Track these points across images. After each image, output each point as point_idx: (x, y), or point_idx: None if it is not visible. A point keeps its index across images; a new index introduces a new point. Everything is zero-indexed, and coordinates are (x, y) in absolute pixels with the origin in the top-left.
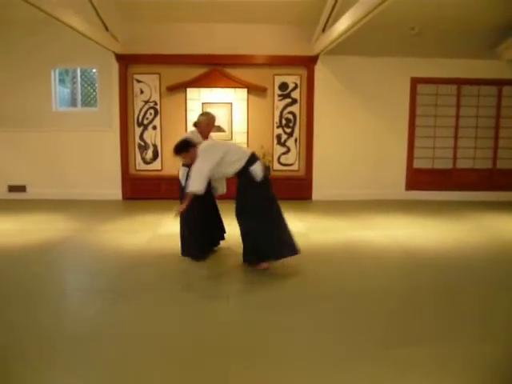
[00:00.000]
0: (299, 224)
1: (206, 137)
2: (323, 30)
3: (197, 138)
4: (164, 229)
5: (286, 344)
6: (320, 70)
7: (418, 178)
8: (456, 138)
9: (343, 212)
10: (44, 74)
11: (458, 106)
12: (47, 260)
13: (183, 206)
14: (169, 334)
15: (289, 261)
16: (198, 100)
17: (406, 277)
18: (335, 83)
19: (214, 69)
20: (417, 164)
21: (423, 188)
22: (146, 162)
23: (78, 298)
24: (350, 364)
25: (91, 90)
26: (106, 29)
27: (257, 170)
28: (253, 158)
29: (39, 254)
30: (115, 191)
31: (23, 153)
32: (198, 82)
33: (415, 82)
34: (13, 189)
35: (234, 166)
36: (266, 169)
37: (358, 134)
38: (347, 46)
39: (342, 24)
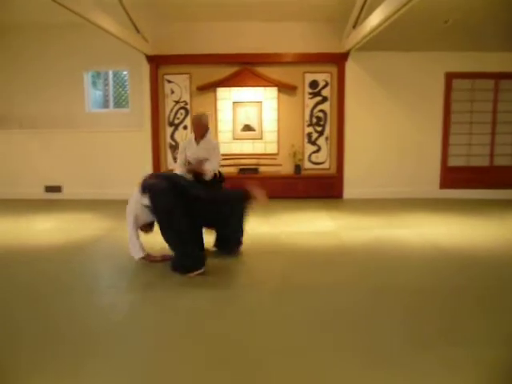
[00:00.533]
0: (330, 222)
1: (198, 137)
2: (354, 26)
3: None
4: None
5: (322, 341)
6: (351, 67)
7: (452, 176)
8: (493, 134)
9: (375, 210)
10: (77, 77)
11: (496, 101)
12: (84, 258)
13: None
14: (207, 327)
15: (320, 257)
16: (228, 99)
17: (440, 275)
18: (366, 80)
19: (244, 68)
20: (451, 162)
21: (458, 186)
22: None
23: (113, 293)
24: (386, 363)
25: (122, 92)
26: (137, 30)
27: None
28: None
29: (76, 251)
30: None
31: (58, 154)
32: (228, 82)
33: (450, 77)
34: (49, 189)
35: None
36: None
37: (390, 131)
38: (379, 41)
39: (374, 19)
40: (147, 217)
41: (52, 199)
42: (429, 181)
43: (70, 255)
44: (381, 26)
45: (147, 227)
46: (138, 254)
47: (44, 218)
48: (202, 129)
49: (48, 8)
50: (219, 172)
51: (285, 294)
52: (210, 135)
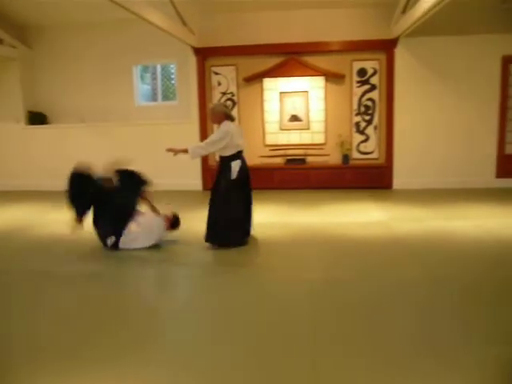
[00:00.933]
0: (380, 213)
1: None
2: (403, 11)
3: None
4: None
5: (375, 329)
6: (400, 54)
7: (510, 165)
8: None
9: (427, 201)
10: (127, 71)
11: None
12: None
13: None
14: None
15: (373, 248)
16: (274, 90)
17: (500, 268)
18: (417, 66)
19: (291, 57)
20: (509, 149)
21: None
22: None
23: (177, 280)
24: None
25: (170, 84)
26: (184, 23)
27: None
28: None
29: None
30: (195, 182)
31: (109, 146)
32: (274, 72)
33: (507, 60)
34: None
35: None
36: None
37: (442, 119)
38: (430, 26)
39: (425, 3)
40: None
41: None
42: (484, 170)
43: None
44: (432, 10)
45: None
46: None
47: None
48: (215, 118)
49: (97, 6)
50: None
51: (330, 285)
52: (223, 125)
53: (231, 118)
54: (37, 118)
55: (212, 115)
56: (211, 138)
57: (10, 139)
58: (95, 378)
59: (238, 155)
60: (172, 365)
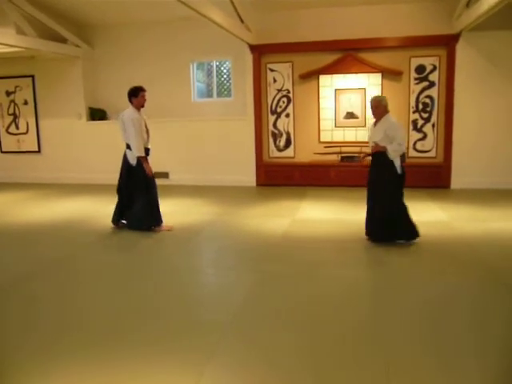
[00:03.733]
0: (440, 212)
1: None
2: (467, 5)
3: None
4: (301, 214)
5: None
6: (462, 49)
7: None
8: None
9: (489, 201)
10: (184, 68)
11: None
12: (199, 240)
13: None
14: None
15: (435, 250)
16: (330, 87)
17: None
18: (480, 62)
19: (348, 54)
20: None
21: None
22: (279, 150)
23: (230, 275)
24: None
25: (225, 81)
26: (241, 21)
27: None
28: None
29: (192, 234)
30: (249, 178)
31: (166, 141)
32: (330, 69)
33: None
34: (157, 175)
35: None
36: None
37: (505, 117)
38: (495, 19)
39: None
40: None
41: (160, 185)
42: None
43: (186, 237)
44: (501, 3)
45: None
46: None
47: None
48: (379, 111)
49: (157, 5)
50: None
51: (391, 285)
52: (391, 119)
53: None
54: (97, 114)
55: (377, 108)
56: (401, 136)
57: (73, 134)
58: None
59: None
60: None
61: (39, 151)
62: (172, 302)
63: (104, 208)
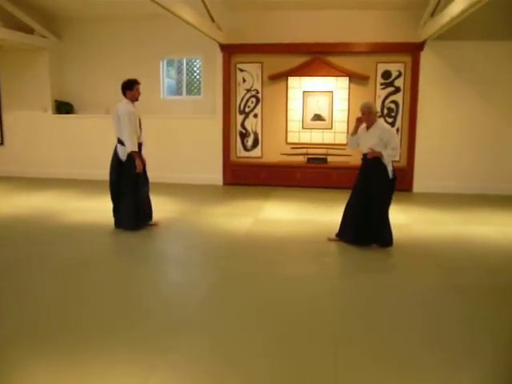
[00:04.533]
0: (400, 215)
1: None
2: (432, 14)
3: None
4: (265, 214)
5: (394, 328)
6: (427, 57)
7: None
8: None
9: (449, 205)
10: (154, 65)
11: None
12: (164, 237)
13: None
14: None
15: (393, 252)
16: (298, 88)
17: None
18: (444, 70)
19: (316, 57)
20: None
21: None
22: (246, 149)
23: (195, 273)
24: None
25: (194, 79)
26: (212, 20)
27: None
28: None
29: (156, 231)
30: (216, 176)
31: None
32: (299, 71)
33: None
34: None
35: None
36: None
37: (466, 123)
38: (459, 29)
39: (457, 6)
40: None
41: None
42: (509, 177)
43: (147, 235)
44: (463, 15)
45: None
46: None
47: None
48: (370, 118)
49: (129, 1)
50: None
51: (346, 282)
52: (383, 124)
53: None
54: (63, 108)
55: (369, 114)
56: (395, 142)
57: (38, 127)
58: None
59: None
60: None
61: (2, 143)
62: (133, 299)
63: (68, 203)
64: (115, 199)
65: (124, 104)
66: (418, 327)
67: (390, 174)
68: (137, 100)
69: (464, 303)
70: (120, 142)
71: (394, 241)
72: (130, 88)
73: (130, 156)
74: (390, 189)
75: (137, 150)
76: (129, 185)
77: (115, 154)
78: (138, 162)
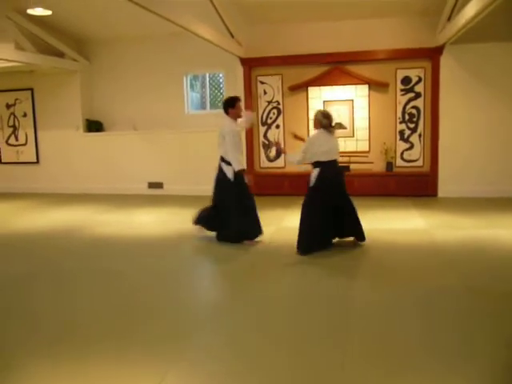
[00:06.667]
0: (422, 220)
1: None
2: (448, 19)
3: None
4: (288, 222)
5: (400, 333)
6: (446, 62)
7: None
8: None
9: (473, 209)
10: (177, 80)
11: None
12: (181, 248)
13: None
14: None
15: (411, 257)
16: (319, 98)
17: None
18: (463, 74)
19: (335, 67)
20: None
21: None
22: (269, 160)
23: (208, 280)
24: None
25: (218, 93)
26: (232, 35)
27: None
28: None
29: (174, 242)
30: None
31: (160, 152)
32: (318, 81)
33: None
34: (152, 185)
35: None
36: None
37: (488, 127)
38: (476, 32)
39: (471, 9)
40: None
41: (154, 194)
42: None
43: (168, 245)
44: (478, 17)
45: None
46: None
47: (147, 211)
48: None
49: (151, 21)
50: None
51: (361, 290)
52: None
53: (325, 127)
54: (94, 126)
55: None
56: (303, 147)
57: (71, 145)
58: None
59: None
60: None
61: (38, 162)
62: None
63: (99, 217)
64: (217, 214)
65: (228, 123)
66: (416, 329)
67: (312, 182)
68: (239, 117)
69: (474, 306)
70: (224, 160)
71: (414, 246)
72: (231, 106)
73: (238, 174)
74: (309, 196)
75: (244, 167)
76: (235, 201)
77: (220, 171)
78: (248, 178)
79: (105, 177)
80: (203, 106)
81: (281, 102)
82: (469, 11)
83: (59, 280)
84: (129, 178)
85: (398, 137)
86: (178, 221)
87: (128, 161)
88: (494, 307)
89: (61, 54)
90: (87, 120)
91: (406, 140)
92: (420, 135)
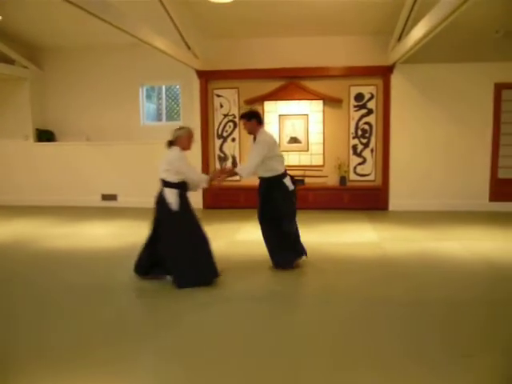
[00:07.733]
0: (374, 233)
1: (188, 149)
2: (399, 39)
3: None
4: (241, 236)
5: (356, 346)
6: (396, 80)
7: (503, 189)
8: None
9: (421, 222)
10: (133, 92)
11: None
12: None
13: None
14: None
15: (362, 269)
16: (274, 112)
17: (489, 290)
18: (413, 92)
19: (291, 82)
20: (502, 174)
21: (509, 199)
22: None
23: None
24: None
25: (175, 105)
26: (188, 48)
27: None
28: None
29: (124, 256)
30: (197, 200)
31: (114, 164)
32: (274, 95)
33: (499, 87)
34: (105, 197)
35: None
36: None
37: (437, 143)
38: (425, 53)
39: (418, 31)
40: None
41: (108, 207)
42: (478, 193)
43: (118, 259)
44: (425, 39)
45: None
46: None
47: (100, 224)
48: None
49: (106, 31)
50: None
51: (320, 300)
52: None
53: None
54: (44, 136)
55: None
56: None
57: (19, 155)
58: None
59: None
60: None
61: None
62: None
63: (48, 230)
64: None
65: (264, 134)
66: (359, 341)
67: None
68: (251, 133)
69: (421, 316)
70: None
71: (364, 259)
72: (260, 121)
73: (274, 185)
74: None
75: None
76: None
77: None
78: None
79: (57, 188)
80: (159, 118)
81: (237, 116)
82: (416, 33)
83: None
84: (82, 189)
85: (352, 151)
86: (131, 234)
87: (81, 172)
88: (441, 319)
89: (10, 61)
90: (37, 129)
91: (359, 155)
92: (372, 150)
